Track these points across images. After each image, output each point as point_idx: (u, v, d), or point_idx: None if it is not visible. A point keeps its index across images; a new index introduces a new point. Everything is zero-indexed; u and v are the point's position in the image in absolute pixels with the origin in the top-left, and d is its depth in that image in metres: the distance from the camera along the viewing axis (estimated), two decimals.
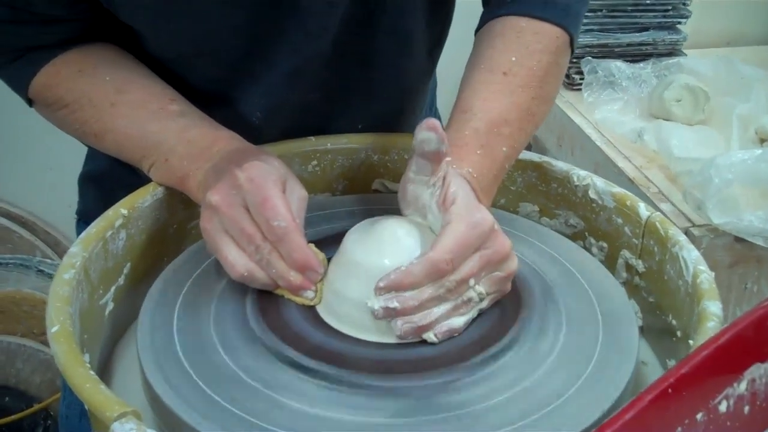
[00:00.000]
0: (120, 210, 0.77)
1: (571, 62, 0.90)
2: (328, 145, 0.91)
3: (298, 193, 0.73)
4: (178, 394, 0.62)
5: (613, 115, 1.62)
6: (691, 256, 0.72)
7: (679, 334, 0.73)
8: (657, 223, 0.78)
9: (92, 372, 0.60)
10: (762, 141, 1.47)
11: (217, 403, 0.61)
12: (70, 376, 0.59)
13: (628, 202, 0.81)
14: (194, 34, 0.82)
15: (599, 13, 1.76)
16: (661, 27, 1.80)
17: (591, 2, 1.69)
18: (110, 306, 0.75)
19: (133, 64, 0.85)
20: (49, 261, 1.91)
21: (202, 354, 0.66)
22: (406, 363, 0.66)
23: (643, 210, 0.79)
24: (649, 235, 0.79)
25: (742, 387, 0.53)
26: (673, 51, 1.81)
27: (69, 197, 1.09)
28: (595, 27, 1.76)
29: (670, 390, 0.48)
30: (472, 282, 0.68)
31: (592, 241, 0.85)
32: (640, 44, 1.79)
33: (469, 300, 0.68)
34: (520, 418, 0.60)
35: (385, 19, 0.87)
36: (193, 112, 0.83)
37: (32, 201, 1.95)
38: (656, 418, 0.47)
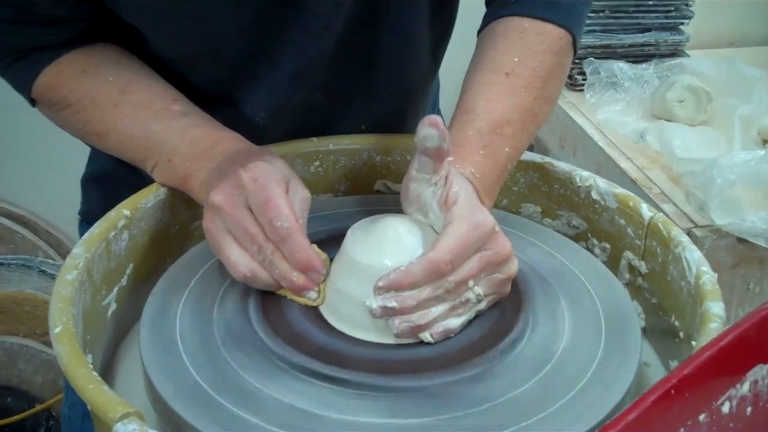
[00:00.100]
0: (123, 211, 0.77)
1: (573, 63, 0.90)
2: (331, 145, 0.91)
3: (301, 194, 0.73)
4: (180, 395, 0.62)
5: (616, 115, 1.61)
6: (693, 257, 0.72)
7: (681, 335, 0.73)
8: (659, 224, 0.78)
9: (95, 373, 0.60)
10: (764, 142, 1.47)
11: (219, 404, 0.61)
12: (73, 377, 0.59)
13: (630, 203, 0.81)
14: (198, 34, 0.82)
15: (602, 14, 1.76)
16: (663, 28, 1.80)
17: (594, 3, 1.68)
18: (113, 307, 0.75)
19: (137, 65, 0.85)
20: (51, 261, 1.91)
21: (205, 355, 0.67)
22: (406, 363, 0.66)
23: (646, 211, 0.79)
24: (651, 236, 0.79)
25: (744, 388, 0.52)
26: (675, 52, 1.81)
27: (71, 198, 1.09)
28: (598, 28, 1.76)
29: (672, 391, 0.48)
30: (471, 283, 0.68)
31: (595, 242, 0.85)
32: (643, 45, 1.79)
33: (467, 301, 0.68)
34: (522, 419, 0.60)
35: (388, 20, 0.87)
36: (196, 113, 0.83)
37: (34, 201, 1.95)
38: (659, 419, 0.47)
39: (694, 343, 0.66)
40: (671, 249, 0.75)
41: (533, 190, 0.90)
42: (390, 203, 0.79)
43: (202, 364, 0.65)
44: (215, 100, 0.86)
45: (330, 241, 0.75)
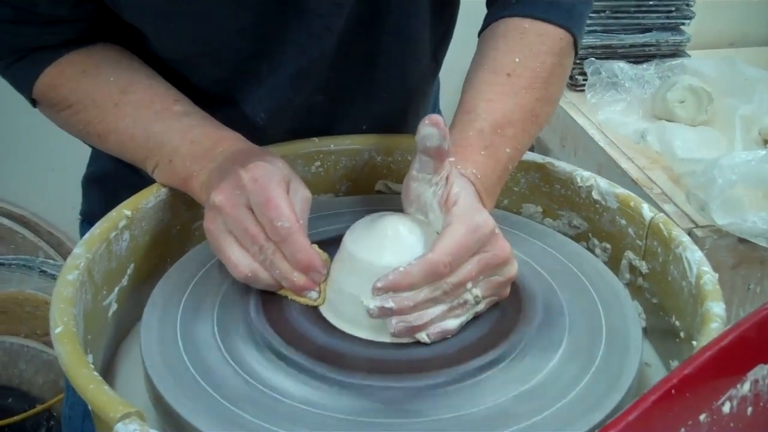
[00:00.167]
0: (123, 211, 0.77)
1: (574, 63, 0.90)
2: (332, 146, 0.91)
3: (302, 194, 0.73)
4: (181, 395, 0.62)
5: (616, 116, 1.61)
6: (694, 257, 0.72)
7: (682, 335, 0.73)
8: (660, 224, 0.78)
9: (96, 373, 0.60)
10: (765, 142, 1.47)
11: (219, 404, 0.61)
12: (74, 377, 0.59)
13: (631, 203, 0.81)
14: (199, 34, 0.82)
15: (602, 14, 1.76)
16: (664, 28, 1.80)
17: (594, 3, 1.68)
18: (114, 307, 0.75)
19: (137, 65, 0.85)
20: (51, 262, 1.91)
21: (206, 354, 0.67)
22: (405, 363, 0.66)
23: (647, 211, 0.79)
24: (652, 236, 0.79)
25: (745, 388, 0.52)
26: (676, 52, 1.81)
27: (72, 198, 1.09)
28: (599, 28, 1.76)
29: (673, 391, 0.48)
30: (469, 285, 0.68)
31: (596, 242, 0.85)
32: (644, 45, 1.79)
33: (465, 302, 0.68)
34: (522, 419, 0.60)
35: (389, 20, 0.87)
36: (196, 113, 0.83)
37: (35, 202, 1.95)
38: (659, 419, 0.47)
39: (694, 343, 0.65)
40: (672, 249, 0.75)
41: (534, 191, 0.90)
42: (391, 203, 0.78)
43: (203, 365, 0.65)
44: (215, 100, 0.86)
45: (330, 241, 0.75)
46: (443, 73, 1.04)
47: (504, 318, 0.70)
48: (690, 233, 1.28)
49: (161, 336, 0.68)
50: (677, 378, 0.48)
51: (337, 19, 0.84)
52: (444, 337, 0.68)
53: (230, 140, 0.79)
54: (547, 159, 0.88)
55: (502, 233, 0.70)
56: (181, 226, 0.83)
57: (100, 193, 1.02)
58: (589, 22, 1.43)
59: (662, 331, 0.77)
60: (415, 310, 0.66)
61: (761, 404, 0.53)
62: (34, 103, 0.87)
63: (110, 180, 0.99)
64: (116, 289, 0.76)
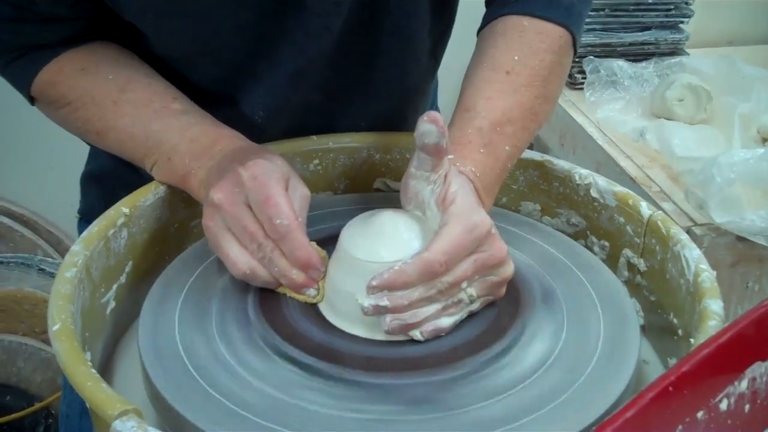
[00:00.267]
0: (122, 209, 0.77)
1: (573, 61, 0.90)
2: (330, 143, 0.91)
3: (301, 192, 0.73)
4: (179, 392, 0.62)
5: (615, 114, 1.62)
6: (692, 255, 0.72)
7: (680, 332, 0.73)
8: (659, 222, 0.78)
9: (93, 370, 0.60)
10: (764, 140, 1.47)
11: (218, 401, 0.61)
12: (72, 374, 0.59)
13: (629, 201, 0.81)
14: (198, 33, 0.82)
15: (602, 13, 1.76)
16: (663, 26, 1.80)
17: (593, 1, 1.68)
18: (112, 304, 0.75)
19: (136, 63, 0.85)
20: (50, 260, 1.91)
21: (204, 352, 0.67)
22: (402, 361, 0.66)
23: (645, 209, 0.79)
24: (650, 234, 0.79)
25: (743, 385, 0.53)
26: (675, 50, 1.81)
27: (71, 196, 1.09)
28: (598, 26, 1.77)
29: (671, 388, 0.48)
30: (464, 285, 0.68)
31: (594, 240, 0.85)
32: (643, 43, 1.79)
33: (460, 301, 0.68)
34: (521, 416, 0.60)
35: (388, 20, 0.87)
36: (195, 111, 0.83)
37: (34, 200, 1.95)
38: (657, 417, 0.48)
39: (692, 340, 0.66)
40: (670, 247, 0.75)
41: (533, 188, 0.90)
42: (389, 201, 0.78)
43: (201, 362, 0.65)
44: (214, 98, 0.86)
45: (329, 239, 0.75)
46: (442, 71, 1.04)
47: (500, 316, 0.70)
48: (689, 231, 1.28)
49: (159, 333, 0.68)
50: (675, 375, 0.48)
51: (336, 19, 0.84)
52: (437, 335, 0.68)
53: (229, 138, 0.79)
54: (546, 157, 0.88)
55: (500, 231, 0.70)
56: (179, 224, 0.83)
57: (98, 191, 1.02)
58: (588, 20, 1.43)
59: (660, 329, 0.77)
60: (409, 308, 0.66)
61: (759, 401, 0.53)
62: (32, 100, 0.87)
63: (108, 178, 0.99)
64: (114, 287, 0.76)
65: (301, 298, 0.71)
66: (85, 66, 0.83)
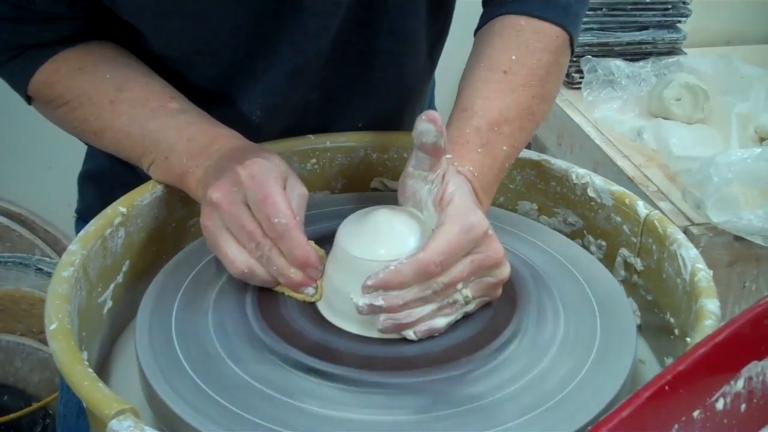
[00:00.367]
0: (119, 208, 0.77)
1: (570, 61, 0.90)
2: (327, 143, 0.91)
3: (299, 191, 0.73)
4: (176, 392, 0.62)
5: (613, 113, 1.62)
6: (689, 254, 0.72)
7: (676, 332, 0.73)
8: (656, 222, 0.78)
9: (90, 369, 0.60)
10: (761, 140, 1.47)
11: (215, 401, 0.61)
12: (68, 374, 0.59)
13: (626, 201, 0.81)
14: (196, 33, 0.82)
15: (599, 12, 1.76)
16: (660, 26, 1.80)
17: (591, 1, 1.68)
18: (109, 304, 0.75)
19: (133, 62, 0.85)
20: (48, 259, 1.91)
21: (201, 352, 0.67)
22: (398, 360, 0.66)
23: (642, 208, 0.80)
24: (647, 234, 0.79)
25: (739, 385, 0.53)
26: (672, 50, 1.81)
27: (68, 196, 1.09)
28: (595, 25, 1.76)
29: (667, 387, 0.48)
30: (459, 285, 0.68)
31: (591, 239, 0.85)
32: (640, 43, 1.79)
33: (455, 302, 0.68)
34: (515, 417, 0.60)
35: (386, 19, 0.87)
36: (192, 110, 0.83)
37: (32, 199, 1.95)
38: (653, 416, 0.48)
39: (689, 339, 0.66)
40: (667, 246, 0.75)
41: (530, 188, 0.90)
42: (386, 201, 0.78)
43: (198, 362, 0.65)
44: (212, 98, 0.86)
45: (327, 238, 0.75)
46: (439, 71, 1.04)
47: (496, 316, 0.70)
48: (686, 231, 1.28)
49: (156, 333, 0.68)
50: (671, 374, 0.48)
51: (335, 18, 0.84)
52: (431, 336, 0.68)
53: (226, 137, 0.79)
54: (543, 156, 0.88)
55: (497, 230, 0.70)
56: (176, 223, 0.83)
57: (95, 190, 1.02)
58: (585, 19, 1.43)
59: (657, 328, 0.78)
60: (404, 308, 0.66)
61: (755, 401, 0.53)
62: (29, 100, 0.86)
63: (106, 177, 0.99)
64: (111, 286, 0.76)
65: (299, 297, 0.71)
66: (83, 65, 0.83)
